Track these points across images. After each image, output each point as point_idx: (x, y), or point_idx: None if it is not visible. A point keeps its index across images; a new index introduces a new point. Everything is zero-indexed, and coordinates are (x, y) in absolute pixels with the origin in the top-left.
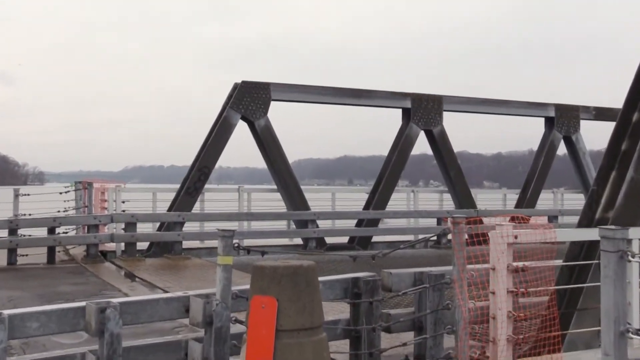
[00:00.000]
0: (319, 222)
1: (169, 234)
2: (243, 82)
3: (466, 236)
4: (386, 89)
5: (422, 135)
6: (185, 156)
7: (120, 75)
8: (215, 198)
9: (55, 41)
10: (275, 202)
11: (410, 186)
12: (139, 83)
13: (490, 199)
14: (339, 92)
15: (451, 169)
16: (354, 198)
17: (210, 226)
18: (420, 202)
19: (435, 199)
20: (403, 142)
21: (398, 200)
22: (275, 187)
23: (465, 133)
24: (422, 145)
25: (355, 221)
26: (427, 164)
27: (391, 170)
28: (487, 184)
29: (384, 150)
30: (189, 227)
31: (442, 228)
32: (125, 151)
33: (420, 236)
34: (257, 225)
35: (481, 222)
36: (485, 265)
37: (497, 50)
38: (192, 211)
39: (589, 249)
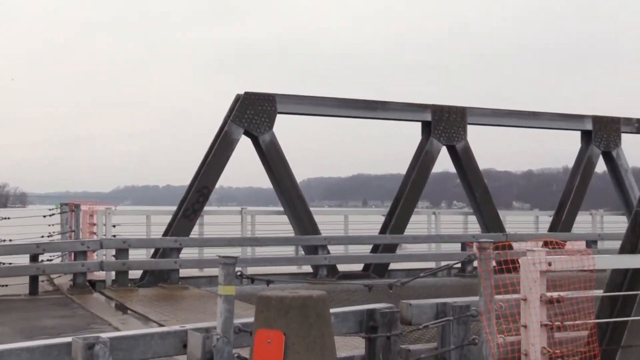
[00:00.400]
0: (330, 247)
1: (165, 262)
2: (246, 93)
3: (494, 263)
4: (404, 98)
5: (444, 151)
6: (183, 175)
7: (111, 84)
8: (215, 221)
9: (37, 46)
10: (281, 225)
11: (431, 208)
12: (130, 94)
13: (521, 221)
14: (351, 103)
15: (477, 188)
16: (369, 221)
17: (210, 252)
18: (442, 225)
19: (459, 221)
20: (423, 159)
21: (418, 223)
22: (281, 209)
23: (492, 149)
24: (444, 162)
25: (370, 247)
26: (450, 183)
27: (410, 190)
28: (517, 205)
29: (402, 168)
30: (187, 253)
31: (467, 254)
32: (117, 169)
33: (443, 263)
34: (262, 251)
35: (510, 247)
36: (516, 296)
37: (522, 53)
38: (190, 236)
39: (634, 277)
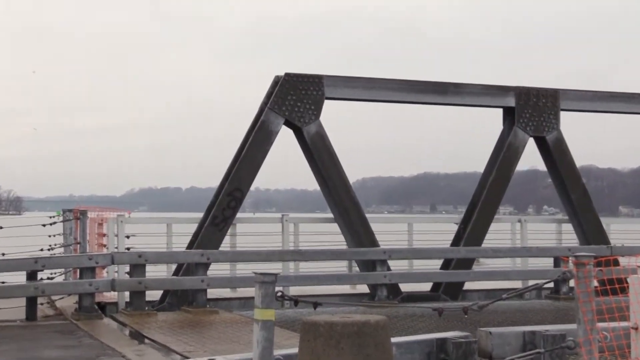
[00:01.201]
0: (391, 262)
1: (190, 280)
2: (287, 74)
3: (595, 283)
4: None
5: (531, 144)
6: (211, 175)
7: (122, 65)
8: (251, 231)
9: (37, 20)
10: (331, 236)
11: (515, 213)
12: (146, 76)
13: (629, 230)
14: (417, 86)
15: (573, 189)
16: (439, 230)
17: (245, 269)
18: (530, 235)
19: (550, 231)
20: (505, 154)
21: (499, 232)
22: (331, 215)
23: (593, 141)
24: (531, 158)
25: (440, 262)
26: (539, 183)
27: (489, 192)
28: (625, 211)
29: (479, 166)
30: (216, 270)
31: (561, 271)
32: (130, 169)
33: (531, 282)
34: (307, 267)
35: (617, 263)
36: (624, 324)
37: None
38: (220, 249)
39: None
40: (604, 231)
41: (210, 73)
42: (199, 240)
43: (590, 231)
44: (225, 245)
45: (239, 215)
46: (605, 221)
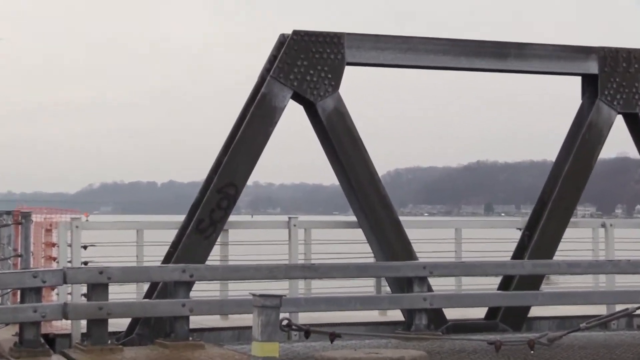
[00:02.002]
0: (433, 280)
1: (167, 304)
2: (295, 32)
3: None
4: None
5: (619, 124)
6: (195, 166)
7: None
8: (247, 238)
9: None
10: (354, 245)
11: (599, 216)
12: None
13: None
14: (468, 47)
15: None
16: (496, 238)
17: (240, 289)
18: (618, 245)
19: None
20: (585, 137)
21: (577, 241)
22: (353, 218)
23: None
24: (620, 142)
25: (498, 280)
26: (630, 175)
27: (563, 188)
28: None
29: (550, 153)
30: (202, 290)
31: None
32: (89, 159)
33: (619, 307)
34: (322, 286)
35: None
36: None
37: None
38: (207, 263)
39: None
40: None
41: (198, 32)
42: (180, 251)
43: None
44: (215, 257)
45: (232, 218)
46: None
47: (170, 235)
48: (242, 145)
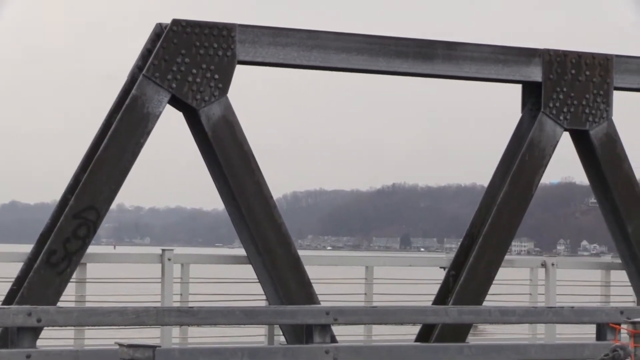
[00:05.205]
0: (337, 329)
1: (6, 355)
2: (175, 22)
3: None
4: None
5: (565, 142)
6: (45, 185)
7: None
8: (110, 274)
9: None
10: (241, 285)
11: (538, 253)
12: None
13: None
14: (388, 46)
15: (630, 216)
16: (415, 278)
17: (100, 337)
18: (560, 288)
19: (593, 281)
20: (524, 158)
21: (511, 283)
22: (242, 251)
23: None
24: (564, 165)
25: (416, 329)
26: (576, 205)
27: (497, 219)
28: None
29: (481, 177)
30: (54, 338)
31: (609, 346)
32: None
33: None
34: (202, 334)
35: None
36: None
37: None
38: (60, 304)
39: None
40: None
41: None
42: (26, 289)
43: None
44: (69, 297)
45: (91, 249)
46: None
47: (14, 269)
48: (106, 159)
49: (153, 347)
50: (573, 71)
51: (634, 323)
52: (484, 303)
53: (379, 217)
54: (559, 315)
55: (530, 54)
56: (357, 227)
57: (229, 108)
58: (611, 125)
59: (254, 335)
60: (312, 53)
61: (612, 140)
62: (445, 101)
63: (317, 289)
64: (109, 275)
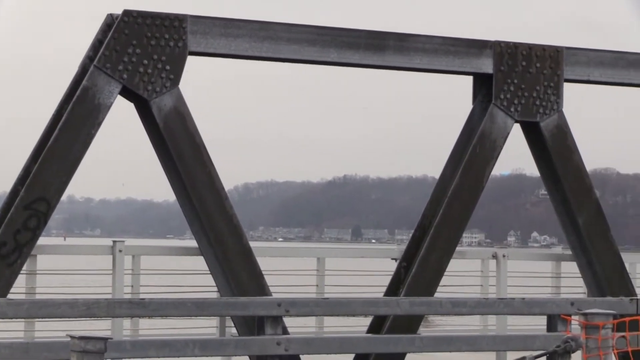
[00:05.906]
0: (289, 320)
1: None
2: (126, 12)
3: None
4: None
5: (516, 134)
6: None
7: None
8: (61, 267)
9: None
10: (193, 276)
11: (489, 244)
12: None
13: None
14: (337, 37)
15: (580, 208)
16: (366, 270)
17: (51, 329)
18: (511, 280)
19: (543, 272)
20: (475, 150)
21: (462, 275)
22: (193, 242)
23: (613, 133)
24: (514, 156)
25: (368, 320)
26: (526, 197)
27: (448, 211)
28: None
29: (432, 169)
30: (3, 329)
31: (560, 337)
32: None
33: (512, 355)
34: (153, 326)
35: None
36: None
37: None
38: (10, 296)
39: None
40: (626, 274)
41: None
42: None
43: (606, 274)
44: (19, 289)
45: (41, 241)
46: (629, 258)
47: None
48: (56, 150)
49: (105, 339)
50: (524, 63)
51: (585, 314)
52: (436, 294)
53: (330, 209)
54: (510, 306)
55: (481, 45)
56: (309, 218)
57: (180, 99)
58: (562, 117)
59: (205, 327)
60: (264, 44)
61: (563, 132)
62: (397, 93)
63: (269, 280)
64: (60, 267)
